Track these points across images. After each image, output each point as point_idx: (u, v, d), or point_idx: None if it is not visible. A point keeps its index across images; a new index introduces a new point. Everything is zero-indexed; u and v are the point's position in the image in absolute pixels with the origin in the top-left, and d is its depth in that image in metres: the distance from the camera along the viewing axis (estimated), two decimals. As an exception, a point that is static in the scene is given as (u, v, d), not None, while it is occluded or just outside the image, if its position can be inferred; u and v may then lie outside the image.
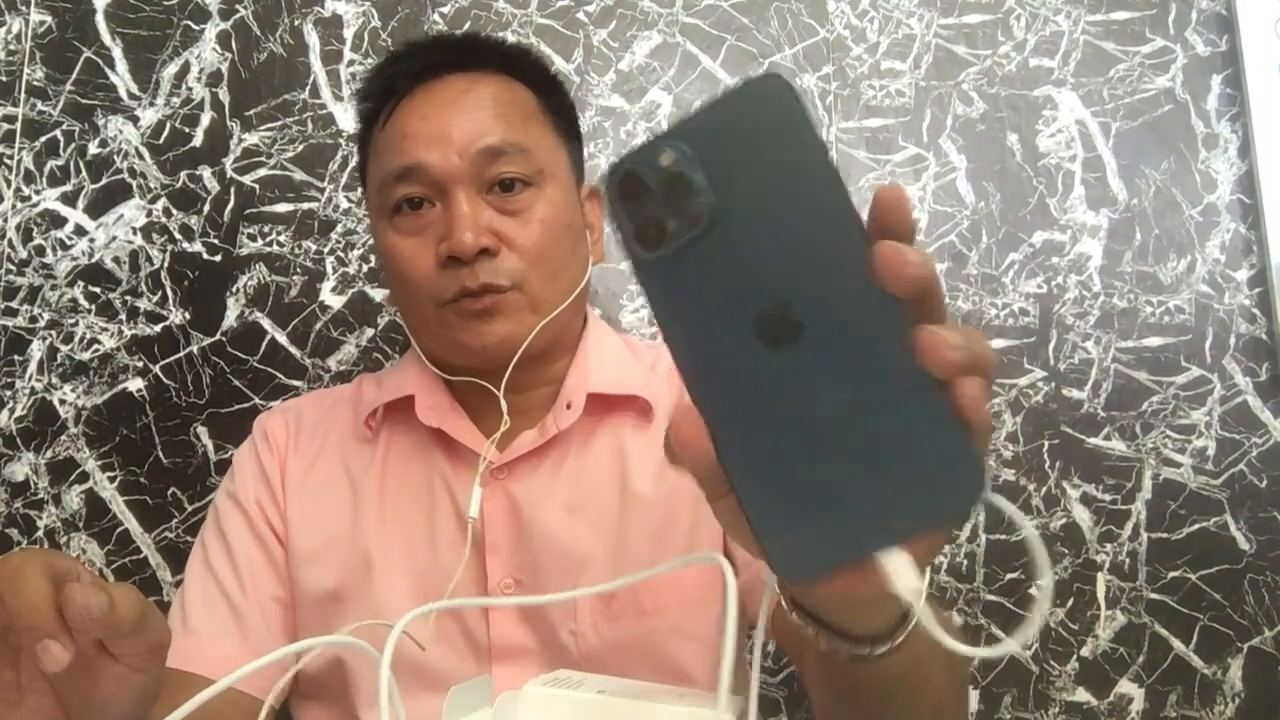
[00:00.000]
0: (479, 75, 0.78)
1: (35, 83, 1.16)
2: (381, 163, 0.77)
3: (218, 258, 1.14)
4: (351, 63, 1.18)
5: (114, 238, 1.14)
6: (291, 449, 0.82)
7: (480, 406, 0.79)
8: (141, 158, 1.15)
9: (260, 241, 1.14)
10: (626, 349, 0.84)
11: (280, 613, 0.77)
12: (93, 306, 1.12)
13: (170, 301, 1.13)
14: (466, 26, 1.18)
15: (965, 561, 1.11)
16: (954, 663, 0.56)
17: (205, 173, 1.15)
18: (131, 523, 1.09)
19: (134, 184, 1.15)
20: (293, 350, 1.12)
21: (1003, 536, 1.12)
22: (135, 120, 1.16)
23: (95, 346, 1.12)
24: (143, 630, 0.45)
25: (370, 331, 1.13)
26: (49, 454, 1.10)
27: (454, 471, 0.78)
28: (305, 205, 1.15)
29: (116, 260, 1.13)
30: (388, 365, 1.10)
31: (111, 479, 1.09)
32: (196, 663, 0.72)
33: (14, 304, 1.12)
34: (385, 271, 0.80)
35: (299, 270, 1.14)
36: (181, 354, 1.12)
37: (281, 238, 1.14)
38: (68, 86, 1.16)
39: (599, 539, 0.74)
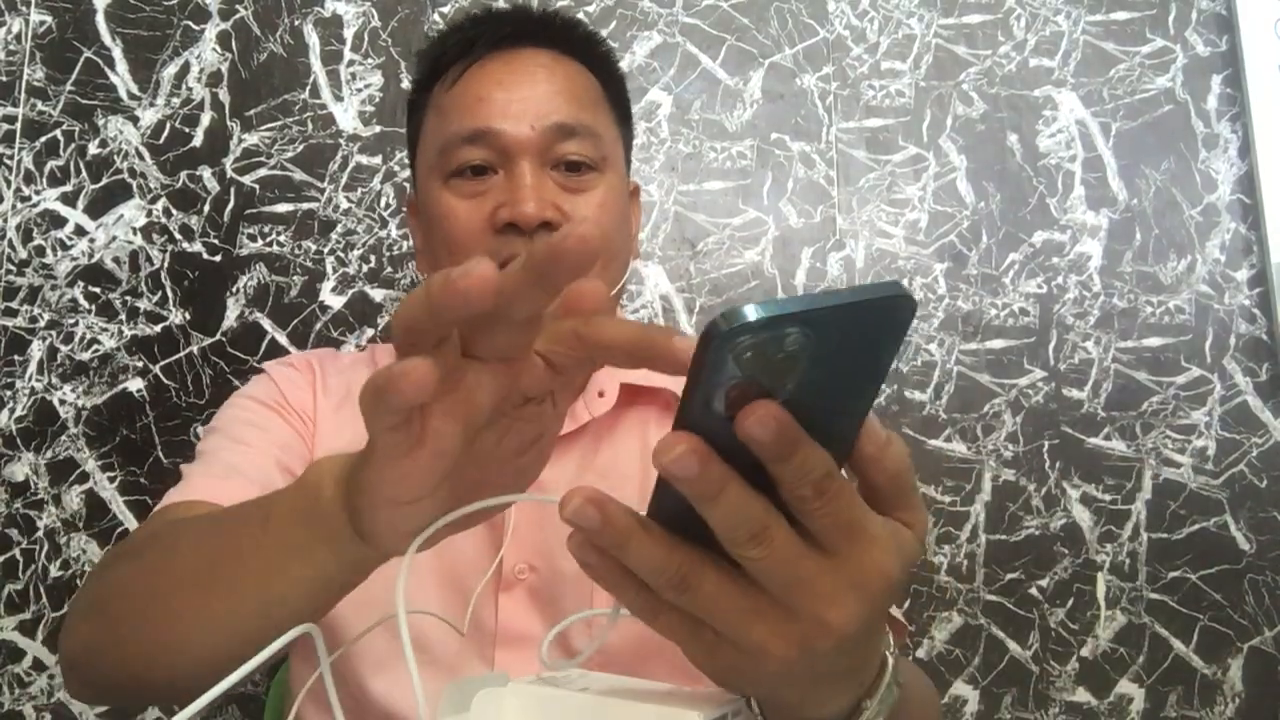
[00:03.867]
0: (556, 54, 0.78)
1: (35, 83, 1.16)
2: (447, 122, 0.75)
3: (218, 258, 1.14)
4: (351, 63, 1.18)
5: (114, 238, 1.14)
6: (320, 389, 0.79)
7: None
8: (141, 158, 1.15)
9: (260, 241, 1.14)
10: None
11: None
12: (93, 307, 1.12)
13: (170, 301, 1.13)
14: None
15: (965, 561, 1.11)
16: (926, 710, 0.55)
17: (205, 173, 1.15)
18: (131, 523, 1.09)
19: (134, 184, 1.15)
20: (293, 351, 1.12)
21: (1003, 537, 1.12)
22: (135, 120, 1.16)
23: (95, 346, 1.12)
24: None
25: (370, 331, 1.13)
26: (49, 454, 1.10)
27: None
28: (305, 205, 1.15)
29: (116, 260, 1.13)
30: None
31: (111, 479, 1.09)
32: (226, 499, 0.65)
33: (14, 304, 1.12)
34: (427, 235, 0.78)
35: (299, 270, 1.14)
36: (181, 354, 1.12)
37: (281, 238, 1.14)
38: (68, 86, 1.16)
39: None
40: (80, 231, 1.14)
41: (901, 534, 0.34)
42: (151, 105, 1.16)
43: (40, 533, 1.08)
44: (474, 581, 0.71)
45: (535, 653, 0.71)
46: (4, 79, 1.16)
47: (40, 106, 1.15)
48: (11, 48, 1.16)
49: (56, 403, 1.10)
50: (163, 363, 1.12)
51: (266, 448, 0.73)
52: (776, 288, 1.16)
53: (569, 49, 0.79)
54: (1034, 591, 1.11)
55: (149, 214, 1.14)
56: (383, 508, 0.36)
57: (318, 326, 1.13)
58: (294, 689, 0.77)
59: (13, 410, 1.10)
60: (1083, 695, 1.09)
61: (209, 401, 1.11)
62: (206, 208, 1.15)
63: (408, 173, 1.16)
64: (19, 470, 1.09)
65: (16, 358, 1.11)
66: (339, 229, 1.15)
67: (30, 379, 1.11)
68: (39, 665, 1.06)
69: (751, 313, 0.27)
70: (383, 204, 1.15)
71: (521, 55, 0.77)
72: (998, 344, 1.15)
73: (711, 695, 0.42)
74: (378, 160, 1.16)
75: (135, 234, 1.14)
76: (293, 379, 0.79)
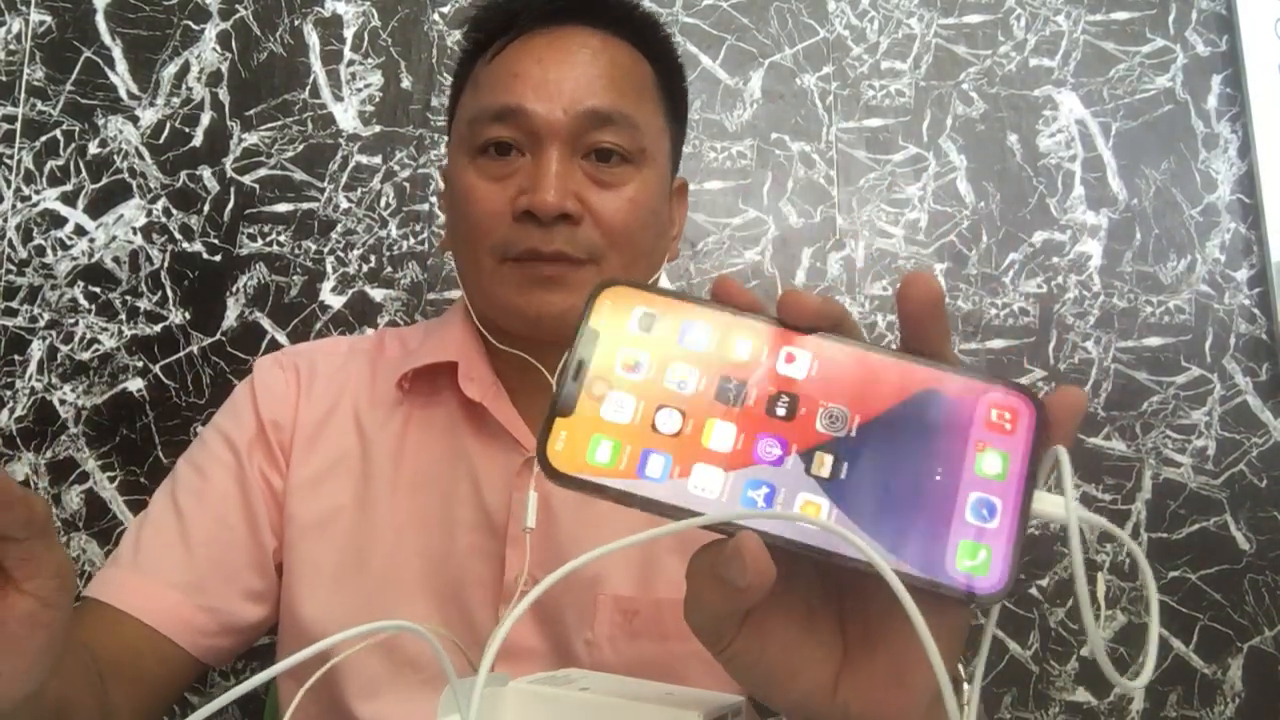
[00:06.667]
0: (605, 36, 0.74)
1: (35, 83, 1.16)
2: (480, 96, 0.72)
3: (218, 258, 1.14)
4: (351, 63, 1.18)
5: (114, 238, 1.14)
6: (303, 398, 0.76)
7: (519, 384, 0.74)
8: (141, 158, 1.15)
9: (260, 241, 1.14)
10: None
11: (248, 571, 0.72)
12: (93, 306, 1.12)
13: (170, 301, 1.13)
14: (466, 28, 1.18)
15: (965, 561, 1.11)
16: None
17: (205, 173, 1.15)
18: (131, 522, 1.09)
19: (134, 184, 1.15)
20: (293, 350, 1.12)
21: (1003, 536, 1.11)
22: (135, 120, 1.16)
23: (95, 346, 1.12)
24: (39, 527, 0.38)
25: (370, 332, 1.13)
26: (49, 454, 1.10)
27: (482, 452, 0.72)
28: (305, 205, 1.15)
29: (116, 260, 1.13)
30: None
31: (111, 479, 1.10)
32: (134, 602, 0.68)
33: (14, 304, 1.12)
34: (450, 212, 0.76)
35: (299, 270, 1.14)
36: (181, 354, 1.12)
37: (281, 238, 1.14)
38: (68, 86, 1.16)
39: (626, 550, 0.71)
40: (80, 231, 1.14)
41: None
42: (151, 105, 1.16)
43: (40, 533, 1.08)
44: (472, 593, 0.69)
45: (533, 666, 0.70)
46: (4, 79, 1.16)
47: (40, 106, 1.15)
48: (11, 48, 1.16)
49: (56, 403, 1.10)
50: (163, 362, 1.12)
51: (197, 522, 0.72)
52: (776, 287, 1.16)
53: (624, 31, 0.75)
54: (1034, 591, 1.11)
55: (149, 214, 1.14)
56: None
57: (318, 326, 1.13)
58: (281, 706, 0.74)
59: (13, 410, 1.10)
60: (1083, 695, 1.09)
61: (209, 401, 1.11)
62: (206, 208, 1.15)
63: (408, 172, 1.16)
64: (19, 470, 1.09)
65: (16, 358, 1.11)
66: (339, 229, 1.15)
67: (30, 379, 1.11)
68: (39, 665, 1.06)
69: None
70: (383, 204, 1.15)
71: (569, 33, 0.73)
72: (998, 344, 1.15)
73: (711, 696, 0.42)
74: (378, 160, 1.16)
75: (135, 234, 1.14)
76: (273, 393, 0.76)
